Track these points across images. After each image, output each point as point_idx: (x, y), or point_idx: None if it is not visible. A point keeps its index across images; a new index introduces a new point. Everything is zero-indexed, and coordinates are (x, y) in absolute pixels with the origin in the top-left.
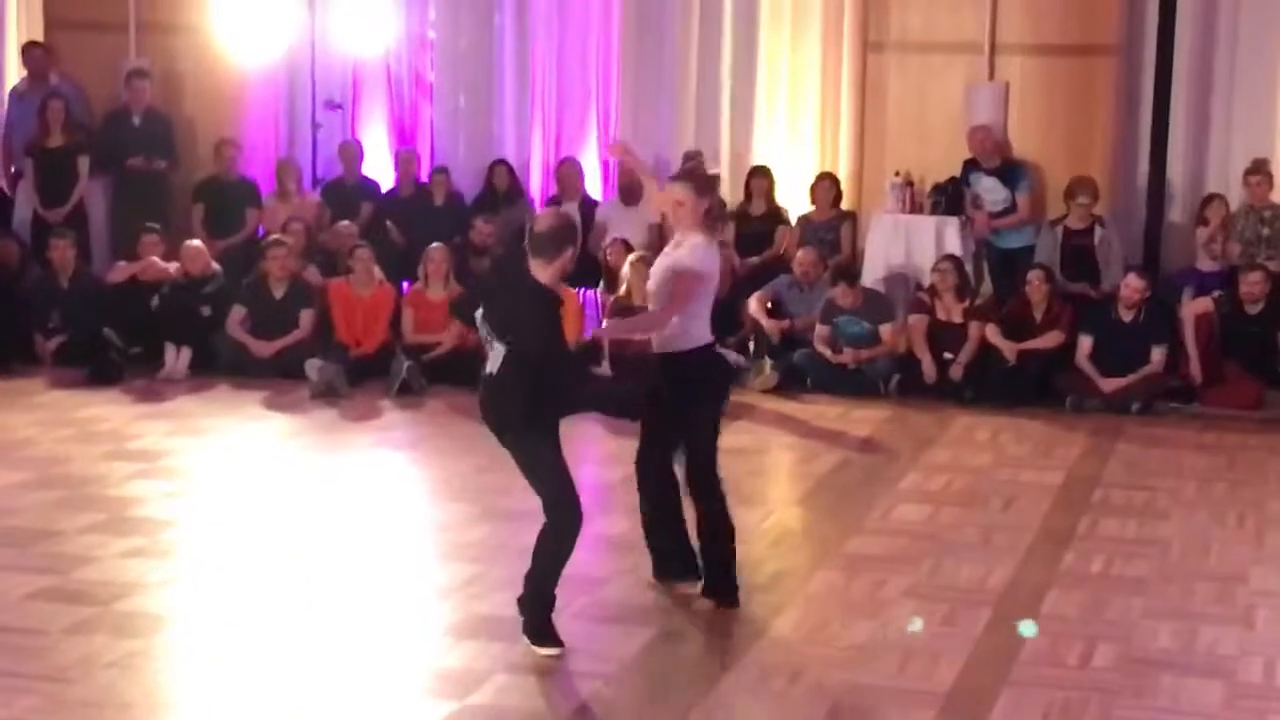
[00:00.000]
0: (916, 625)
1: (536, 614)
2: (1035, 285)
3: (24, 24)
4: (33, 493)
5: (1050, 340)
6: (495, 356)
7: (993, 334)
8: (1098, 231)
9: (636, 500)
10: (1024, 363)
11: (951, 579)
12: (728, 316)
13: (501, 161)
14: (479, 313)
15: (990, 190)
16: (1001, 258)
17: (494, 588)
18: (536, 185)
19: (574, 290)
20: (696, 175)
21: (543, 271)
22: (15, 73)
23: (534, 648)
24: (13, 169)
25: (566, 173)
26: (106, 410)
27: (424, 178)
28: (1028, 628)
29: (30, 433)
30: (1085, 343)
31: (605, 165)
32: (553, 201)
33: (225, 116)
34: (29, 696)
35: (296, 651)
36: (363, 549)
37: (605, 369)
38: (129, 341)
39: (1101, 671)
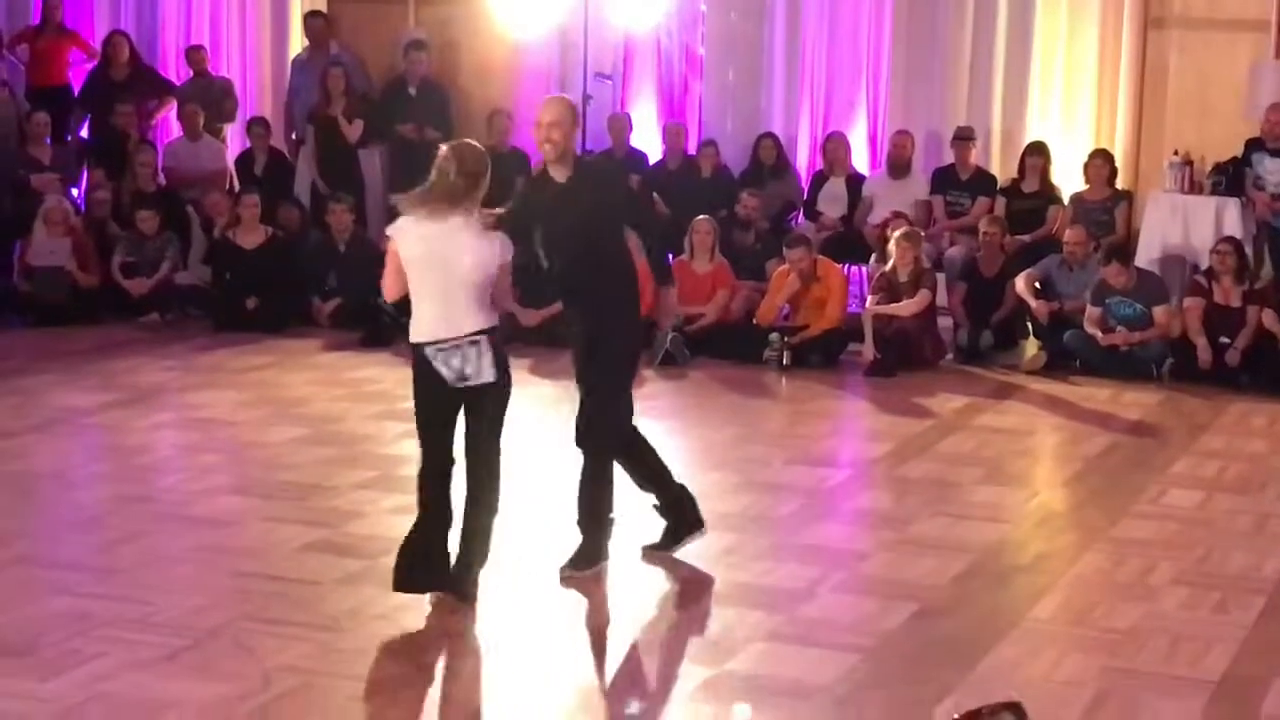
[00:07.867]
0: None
1: None
2: None
3: None
4: (308, 449)
5: None
6: None
7: (1270, 320)
8: None
9: (899, 474)
10: None
11: (1223, 566)
12: (993, 295)
13: (769, 135)
14: None
15: (1273, 172)
16: None
17: (752, 557)
18: (803, 159)
19: (840, 265)
20: None
21: None
22: (299, 42)
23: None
24: (294, 135)
25: (834, 147)
26: (378, 371)
27: (691, 151)
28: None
29: (307, 391)
30: None
31: (873, 140)
32: (819, 176)
33: (499, 88)
34: (303, 644)
35: (554, 613)
36: (622, 515)
37: (869, 347)
38: (400, 309)
39: None
